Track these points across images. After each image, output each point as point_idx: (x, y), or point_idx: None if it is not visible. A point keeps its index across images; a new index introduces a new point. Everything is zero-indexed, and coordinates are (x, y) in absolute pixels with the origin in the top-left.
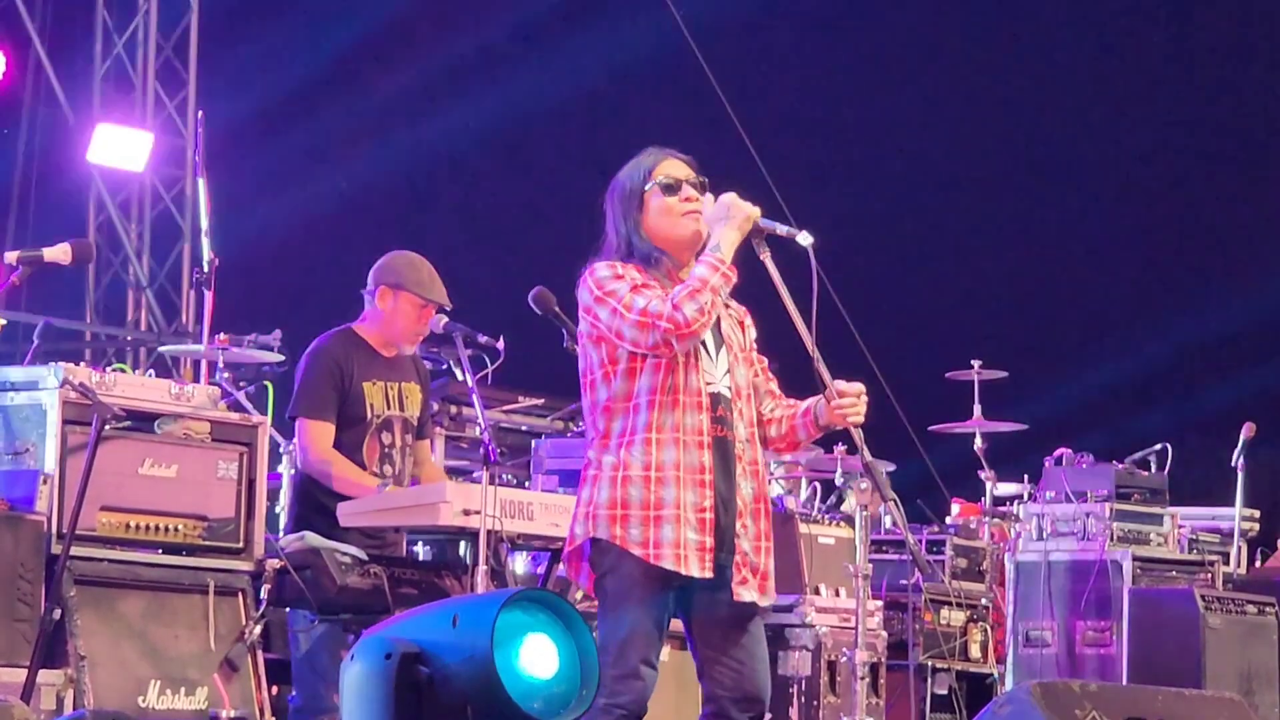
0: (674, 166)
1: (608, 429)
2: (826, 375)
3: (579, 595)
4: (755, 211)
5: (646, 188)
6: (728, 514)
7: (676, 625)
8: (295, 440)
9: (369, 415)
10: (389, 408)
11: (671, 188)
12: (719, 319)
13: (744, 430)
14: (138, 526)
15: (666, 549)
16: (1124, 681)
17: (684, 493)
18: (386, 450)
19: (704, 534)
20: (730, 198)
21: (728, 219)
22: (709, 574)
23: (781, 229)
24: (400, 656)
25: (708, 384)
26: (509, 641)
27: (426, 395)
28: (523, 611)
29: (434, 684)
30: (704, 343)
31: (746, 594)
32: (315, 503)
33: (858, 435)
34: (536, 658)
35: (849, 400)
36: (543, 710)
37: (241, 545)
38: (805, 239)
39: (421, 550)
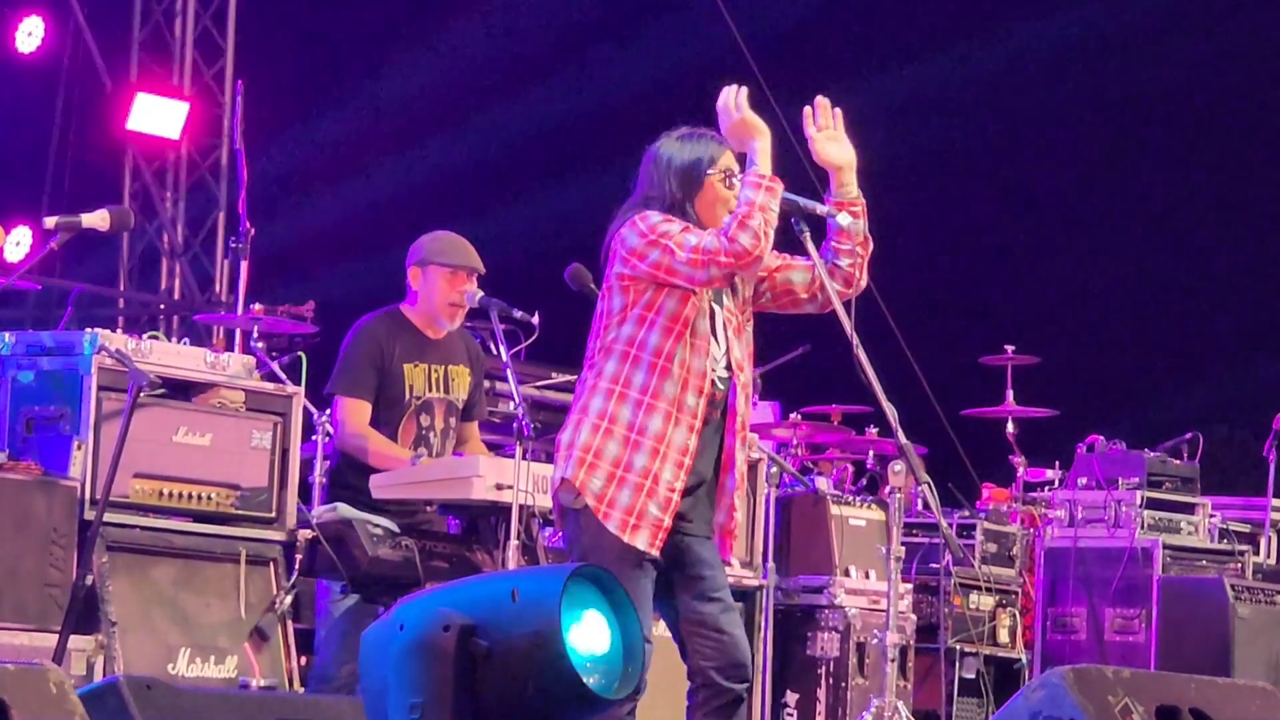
0: (732, 159)
1: (601, 370)
2: (853, 335)
3: None
4: (765, 128)
5: (710, 173)
6: (706, 496)
7: None
8: (329, 415)
9: (407, 396)
10: (430, 390)
11: (731, 182)
12: (720, 294)
13: (743, 404)
14: (171, 494)
15: (617, 512)
16: (1152, 669)
17: (660, 466)
18: (423, 432)
19: (664, 512)
20: (740, 118)
21: (749, 134)
22: (655, 552)
23: (821, 209)
24: (459, 629)
25: (712, 370)
26: (567, 617)
27: (479, 378)
28: (577, 587)
29: (492, 658)
30: (712, 328)
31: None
32: (347, 484)
33: (890, 413)
34: (591, 634)
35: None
36: (601, 685)
37: (274, 515)
38: (844, 219)
39: None
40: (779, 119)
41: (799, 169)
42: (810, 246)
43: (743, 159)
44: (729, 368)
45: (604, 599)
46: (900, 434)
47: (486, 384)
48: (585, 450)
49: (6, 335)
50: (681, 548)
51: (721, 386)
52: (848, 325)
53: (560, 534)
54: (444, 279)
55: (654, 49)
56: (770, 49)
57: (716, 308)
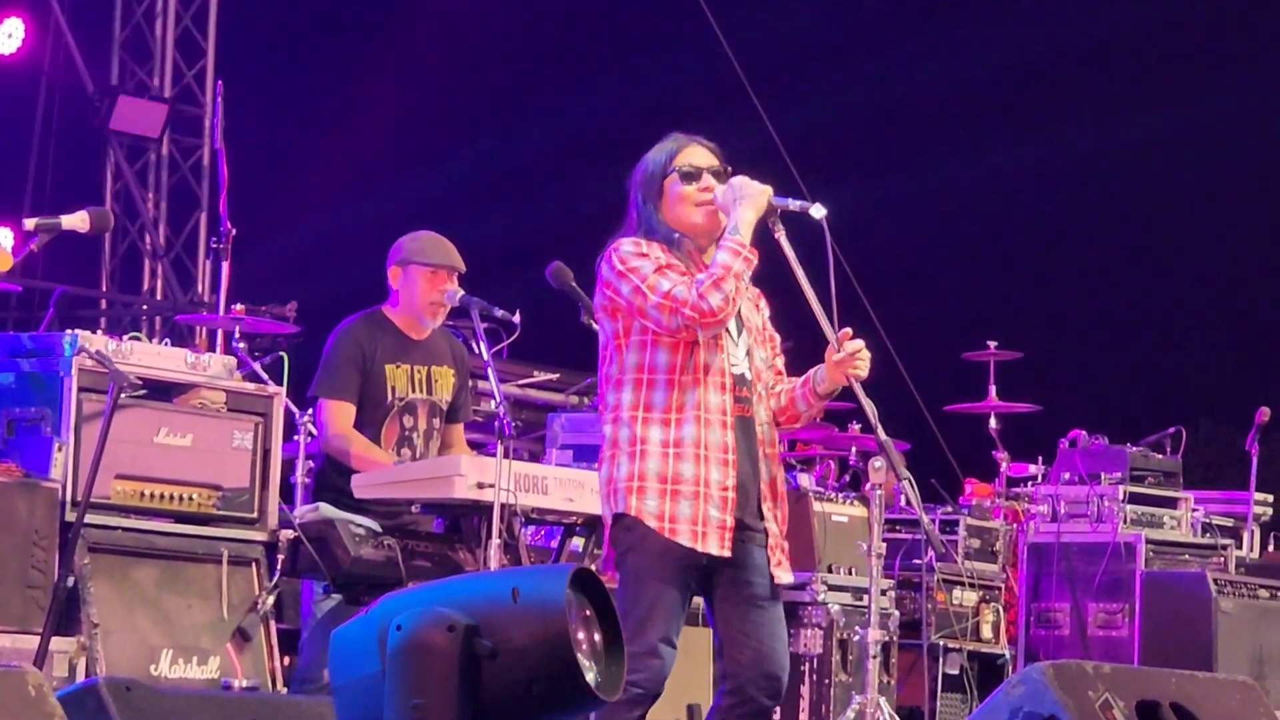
0: (697, 154)
1: (618, 401)
2: (832, 333)
3: (593, 568)
4: (767, 190)
5: (666, 174)
6: (751, 494)
7: (695, 602)
8: (311, 415)
9: (390, 398)
10: (413, 390)
11: (690, 176)
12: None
13: (764, 412)
14: (152, 495)
15: (683, 525)
16: (1135, 664)
17: (707, 470)
18: (406, 433)
19: (725, 512)
20: (740, 179)
21: (741, 199)
22: (727, 553)
23: (794, 204)
24: (464, 629)
25: (732, 365)
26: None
27: (463, 379)
28: (572, 588)
29: (496, 658)
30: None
31: (783, 575)
32: (332, 485)
33: (870, 410)
34: (588, 635)
35: (855, 346)
36: (601, 685)
37: (256, 515)
38: (819, 211)
39: None
40: (768, 128)
41: (784, 170)
42: (787, 247)
43: (722, 170)
44: (751, 372)
45: (592, 601)
46: (880, 430)
47: (469, 383)
48: (630, 478)
49: None
50: (737, 551)
51: (745, 383)
52: (822, 317)
53: (608, 537)
54: (424, 278)
55: (643, 60)
56: (761, 62)
57: None
